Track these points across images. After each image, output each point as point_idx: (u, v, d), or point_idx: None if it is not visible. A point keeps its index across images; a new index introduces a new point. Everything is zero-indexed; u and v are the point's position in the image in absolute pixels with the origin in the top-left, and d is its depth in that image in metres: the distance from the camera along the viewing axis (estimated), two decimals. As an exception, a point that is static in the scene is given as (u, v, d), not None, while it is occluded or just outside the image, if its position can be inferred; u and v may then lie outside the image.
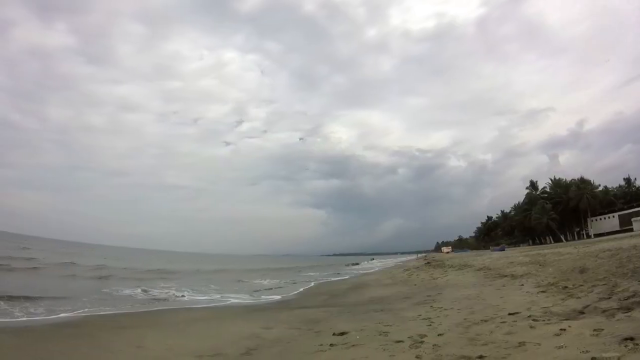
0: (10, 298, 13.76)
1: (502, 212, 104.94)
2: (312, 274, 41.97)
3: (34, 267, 28.13)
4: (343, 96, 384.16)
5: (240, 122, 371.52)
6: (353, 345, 6.80)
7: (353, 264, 69.10)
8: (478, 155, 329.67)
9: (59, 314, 12.18)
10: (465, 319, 8.30)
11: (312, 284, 28.65)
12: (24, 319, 11.21)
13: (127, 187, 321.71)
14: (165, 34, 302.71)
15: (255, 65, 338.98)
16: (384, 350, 6.24)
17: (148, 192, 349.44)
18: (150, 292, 19.21)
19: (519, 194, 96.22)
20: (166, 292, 19.68)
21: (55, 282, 21.20)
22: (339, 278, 34.56)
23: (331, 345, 7.01)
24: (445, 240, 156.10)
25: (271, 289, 25.03)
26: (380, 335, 7.52)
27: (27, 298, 14.09)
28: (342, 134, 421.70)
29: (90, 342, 8.55)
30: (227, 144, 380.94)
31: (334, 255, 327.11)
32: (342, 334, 7.96)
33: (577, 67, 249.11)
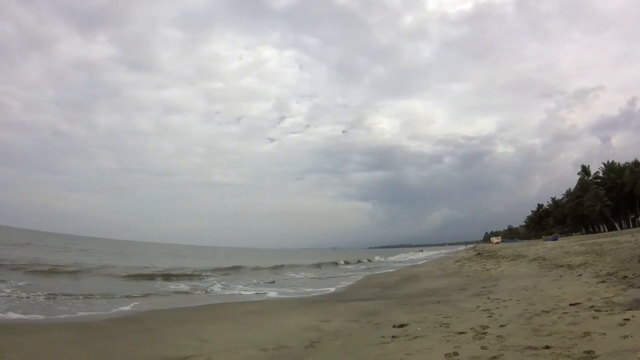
0: (66, 295, 14.18)
1: (553, 199, 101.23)
2: (359, 266, 41.95)
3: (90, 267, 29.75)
4: (384, 86, 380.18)
5: (282, 118, 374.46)
6: (415, 337, 6.75)
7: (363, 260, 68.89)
8: (526, 141, 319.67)
9: (116, 309, 12.45)
10: (525, 310, 8.14)
11: (361, 276, 28.66)
12: (83, 314, 11.49)
13: (176, 187, 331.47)
14: (203, 37, 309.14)
15: (294, 61, 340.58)
16: (447, 341, 6.19)
17: (196, 190, 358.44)
18: (201, 287, 19.59)
19: (571, 180, 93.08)
20: (221, 286, 20.05)
21: (108, 280, 21.88)
22: (387, 270, 34.46)
23: (393, 337, 6.98)
24: (494, 230, 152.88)
25: (321, 281, 25.22)
26: (441, 326, 7.45)
27: (84, 295, 14.52)
28: (385, 124, 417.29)
29: (154, 337, 8.76)
30: (271, 140, 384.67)
31: (381, 247, 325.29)
32: (401, 325, 7.91)
33: (625, 41, 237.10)
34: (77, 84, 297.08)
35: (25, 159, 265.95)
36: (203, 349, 7.57)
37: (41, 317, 10.70)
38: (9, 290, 13.80)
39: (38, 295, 13.65)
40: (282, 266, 42.96)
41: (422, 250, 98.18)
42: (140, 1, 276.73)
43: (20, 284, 15.43)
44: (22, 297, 13.20)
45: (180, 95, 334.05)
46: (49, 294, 13.89)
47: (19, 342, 7.66)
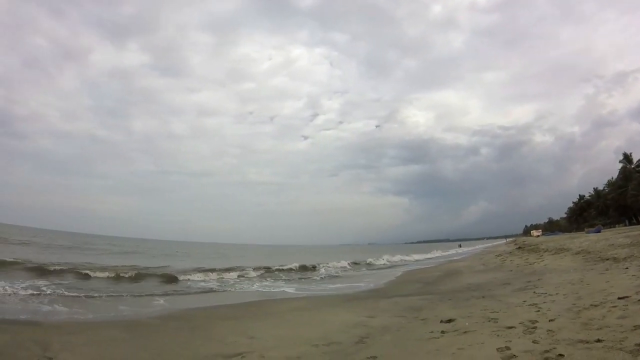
0: (110, 294, 14.69)
1: (595, 189, 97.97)
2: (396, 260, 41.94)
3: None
4: (416, 79, 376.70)
5: (315, 116, 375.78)
6: (465, 332, 6.74)
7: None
8: (565, 129, 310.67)
9: (160, 307, 12.81)
10: (573, 304, 7.99)
11: (400, 272, 28.58)
12: (128, 312, 11.77)
13: (212, 187, 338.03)
14: (232, 39, 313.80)
15: (324, 58, 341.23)
16: (498, 336, 6.16)
17: (232, 190, 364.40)
18: (242, 284, 19.97)
19: (612, 169, 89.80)
20: (263, 284, 20.43)
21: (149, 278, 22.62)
22: (427, 265, 34.34)
23: (442, 332, 6.99)
24: (534, 223, 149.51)
25: (361, 277, 25.21)
26: (489, 321, 7.40)
27: (128, 293, 15.04)
28: (419, 117, 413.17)
29: (202, 334, 8.93)
30: (305, 137, 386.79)
31: (418, 242, 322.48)
32: (449, 321, 7.89)
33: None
34: (112, 91, 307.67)
35: (65, 165, 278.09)
36: (254, 345, 7.70)
37: (89, 315, 11.01)
38: (59, 291, 14.22)
39: (84, 294, 14.14)
40: (318, 263, 43.42)
41: (460, 245, 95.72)
42: (169, 8, 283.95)
43: (65, 282, 16.09)
44: (67, 296, 13.68)
45: (213, 98, 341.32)
46: (96, 293, 14.41)
47: (70, 341, 7.83)
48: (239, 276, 22.77)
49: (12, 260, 20.60)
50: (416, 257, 49.62)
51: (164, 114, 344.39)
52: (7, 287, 13.37)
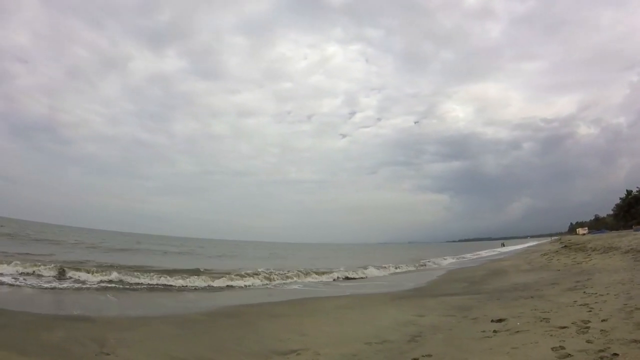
0: (156, 290, 15.16)
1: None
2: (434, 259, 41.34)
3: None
4: (454, 72, 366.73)
5: (353, 113, 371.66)
6: (517, 332, 6.67)
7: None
8: (610, 120, 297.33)
9: (211, 304, 12.88)
10: (625, 304, 7.76)
11: (444, 271, 28.29)
12: (179, 309, 11.98)
13: (253, 186, 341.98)
14: (267, 40, 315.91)
15: (359, 55, 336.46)
16: (551, 335, 6.09)
17: (272, 188, 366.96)
18: (287, 282, 20.16)
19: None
20: (304, 282, 20.66)
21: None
22: (470, 265, 33.91)
23: (494, 331, 6.94)
24: (579, 221, 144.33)
25: (404, 275, 25.28)
26: (541, 321, 7.29)
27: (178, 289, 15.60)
28: (458, 111, 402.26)
29: (254, 331, 8.98)
30: (343, 135, 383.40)
31: (459, 240, 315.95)
32: (500, 320, 7.83)
33: None
34: (153, 96, 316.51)
35: (110, 168, 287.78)
36: (307, 342, 7.78)
37: (139, 311, 11.32)
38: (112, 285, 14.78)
39: (133, 290, 14.66)
40: (358, 259, 43.33)
41: (504, 244, 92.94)
42: (203, 14, 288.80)
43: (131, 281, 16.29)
44: (117, 292, 14.03)
45: (252, 99, 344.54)
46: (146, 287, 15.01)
47: (125, 337, 7.92)
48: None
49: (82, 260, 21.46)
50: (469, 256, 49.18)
51: (204, 115, 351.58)
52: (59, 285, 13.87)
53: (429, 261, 39.71)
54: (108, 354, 6.82)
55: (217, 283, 17.92)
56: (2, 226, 44.82)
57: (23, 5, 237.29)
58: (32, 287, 13.50)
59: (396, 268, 30.58)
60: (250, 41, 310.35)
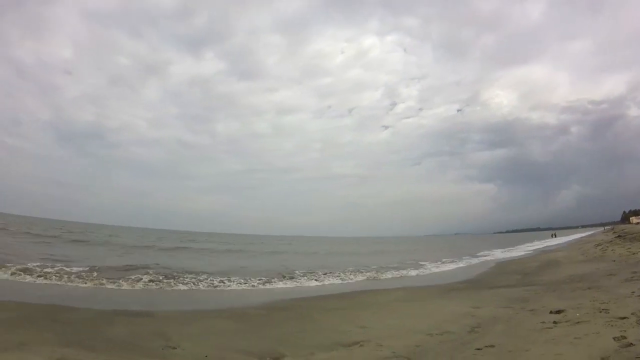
0: (211, 285, 15.24)
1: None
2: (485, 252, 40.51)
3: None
4: (496, 56, 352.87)
5: (394, 105, 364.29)
6: (577, 322, 6.56)
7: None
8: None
9: (266, 299, 12.91)
10: None
11: (494, 263, 27.73)
12: (233, 303, 12.08)
13: (297, 182, 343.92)
14: (303, 37, 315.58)
15: (397, 45, 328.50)
16: (612, 326, 5.98)
17: (317, 184, 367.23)
18: (335, 275, 20.03)
19: None
20: (351, 274, 20.48)
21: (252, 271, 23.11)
22: (521, 256, 33.13)
23: (554, 322, 6.85)
24: (633, 209, 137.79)
25: (454, 268, 25.10)
26: (600, 312, 7.14)
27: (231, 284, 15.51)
28: (502, 97, 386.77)
29: (313, 324, 9.07)
30: (385, 127, 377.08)
31: (507, 232, 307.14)
32: (558, 312, 7.69)
33: None
34: (194, 98, 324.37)
35: (156, 169, 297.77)
36: (368, 334, 7.85)
37: (197, 306, 11.40)
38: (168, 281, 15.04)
39: (189, 286, 14.78)
40: (405, 251, 42.93)
41: (554, 235, 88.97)
42: (238, 15, 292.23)
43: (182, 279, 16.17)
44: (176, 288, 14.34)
45: (291, 96, 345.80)
46: (202, 286, 14.94)
47: (186, 331, 8.04)
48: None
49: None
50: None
51: (245, 115, 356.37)
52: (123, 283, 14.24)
53: (478, 253, 39.07)
54: (174, 348, 6.96)
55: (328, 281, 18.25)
56: (70, 232, 46.93)
57: (64, 22, 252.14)
58: (91, 285, 13.81)
59: (445, 261, 30.37)
60: (287, 39, 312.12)
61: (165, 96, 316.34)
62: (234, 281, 16.13)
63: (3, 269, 14.23)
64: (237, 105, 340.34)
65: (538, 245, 53.26)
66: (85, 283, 13.77)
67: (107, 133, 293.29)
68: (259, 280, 16.82)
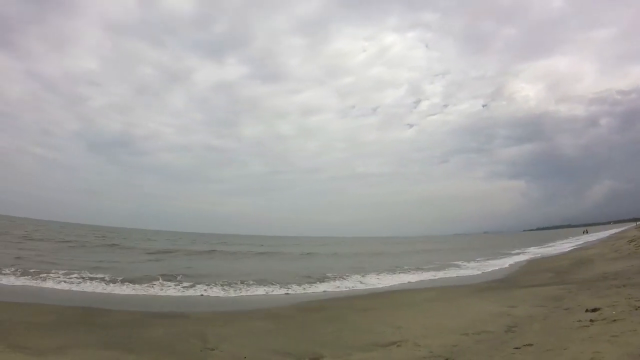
0: (237, 286, 15.23)
1: None
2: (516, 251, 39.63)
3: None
4: (518, 48, 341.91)
5: (418, 102, 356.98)
6: (614, 320, 6.47)
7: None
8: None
9: (287, 299, 13.09)
10: None
11: (526, 261, 27.21)
12: (264, 304, 12.16)
13: (323, 182, 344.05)
14: (323, 37, 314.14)
15: (418, 41, 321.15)
16: None
17: (342, 184, 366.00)
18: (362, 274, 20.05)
19: None
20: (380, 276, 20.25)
21: (279, 270, 23.17)
22: (553, 254, 32.37)
23: (591, 320, 6.76)
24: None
25: (485, 267, 24.66)
26: (636, 310, 7.04)
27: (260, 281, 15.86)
28: (528, 90, 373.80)
29: (347, 325, 9.10)
30: (410, 125, 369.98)
31: (537, 229, 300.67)
32: (594, 310, 7.60)
33: None
34: (219, 103, 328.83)
35: (184, 174, 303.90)
36: (404, 334, 7.85)
37: (229, 308, 11.61)
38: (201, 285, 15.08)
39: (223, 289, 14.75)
40: (435, 251, 42.39)
41: (586, 231, 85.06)
42: (257, 20, 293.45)
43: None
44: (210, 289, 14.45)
45: (314, 97, 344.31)
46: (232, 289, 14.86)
47: (222, 333, 8.15)
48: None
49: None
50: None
51: (270, 117, 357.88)
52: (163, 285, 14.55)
53: (508, 251, 38.47)
54: (212, 349, 7.02)
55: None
56: (104, 237, 48.11)
57: (87, 35, 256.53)
58: (125, 289, 14.01)
59: (479, 259, 30.01)
60: (307, 40, 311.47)
61: (191, 103, 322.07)
62: (266, 284, 16.12)
63: (39, 274, 14.80)
64: (261, 108, 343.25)
65: (570, 242, 51.99)
66: (120, 288, 14.03)
67: (136, 141, 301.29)
68: (291, 282, 16.83)
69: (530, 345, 5.99)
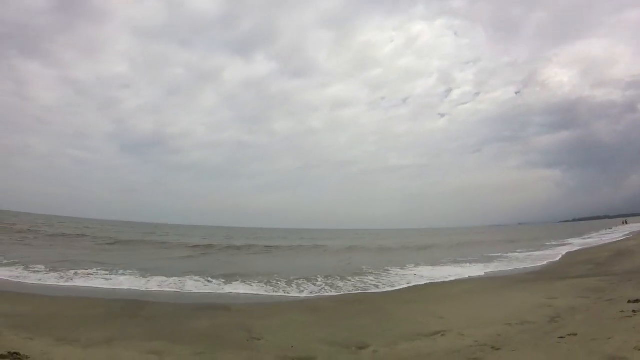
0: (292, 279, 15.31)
1: None
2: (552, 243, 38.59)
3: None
4: (550, 33, 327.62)
5: (449, 91, 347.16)
6: None
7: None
8: None
9: (325, 292, 13.04)
10: None
11: (563, 253, 26.55)
12: (302, 297, 12.29)
13: (355, 176, 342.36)
14: (350, 30, 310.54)
15: (447, 29, 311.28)
16: None
17: (375, 176, 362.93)
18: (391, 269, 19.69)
19: None
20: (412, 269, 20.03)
21: (322, 263, 23.48)
22: (591, 246, 31.55)
23: (633, 311, 6.75)
24: None
25: (522, 259, 24.26)
26: None
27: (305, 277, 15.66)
28: (562, 76, 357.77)
29: (390, 315, 9.19)
30: (442, 115, 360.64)
31: (574, 220, 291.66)
32: (637, 301, 7.56)
33: None
34: (249, 100, 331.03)
35: (217, 171, 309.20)
36: (447, 325, 7.93)
37: (270, 300, 11.75)
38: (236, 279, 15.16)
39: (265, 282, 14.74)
40: (470, 243, 41.76)
41: (625, 222, 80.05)
42: (282, 15, 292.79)
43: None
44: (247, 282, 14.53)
45: (344, 90, 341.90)
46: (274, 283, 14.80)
47: (268, 324, 8.26)
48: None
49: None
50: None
51: (300, 112, 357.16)
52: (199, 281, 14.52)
53: (546, 243, 37.62)
54: (259, 339, 7.12)
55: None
56: (152, 233, 49.48)
57: (117, 40, 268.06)
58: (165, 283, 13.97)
59: (519, 251, 29.50)
60: (334, 33, 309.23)
61: (221, 100, 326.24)
62: (304, 278, 15.91)
63: (79, 270, 15.30)
64: (291, 103, 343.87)
65: (609, 233, 50.29)
66: (161, 283, 13.99)
67: (168, 140, 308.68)
68: (330, 275, 16.77)
69: (575, 335, 6.03)
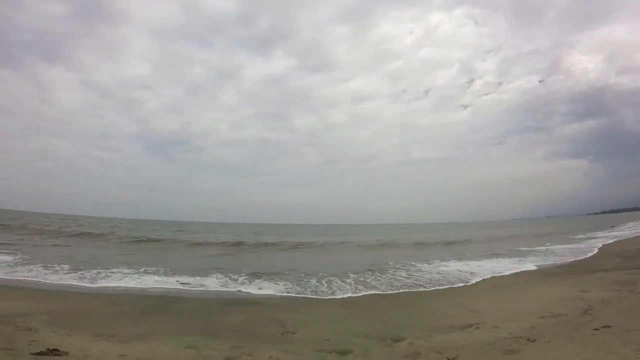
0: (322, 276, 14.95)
1: None
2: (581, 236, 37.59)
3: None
4: (573, 18, 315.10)
5: (471, 81, 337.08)
6: None
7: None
8: None
9: (351, 288, 12.74)
10: None
11: (593, 246, 25.89)
12: (331, 293, 11.99)
13: (378, 170, 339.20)
14: (368, 22, 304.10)
15: (466, 18, 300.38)
16: None
17: (398, 170, 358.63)
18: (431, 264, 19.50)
19: None
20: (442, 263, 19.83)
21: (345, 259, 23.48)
22: (621, 238, 30.94)
23: None
24: None
25: (552, 252, 23.82)
26: None
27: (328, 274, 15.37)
28: (586, 62, 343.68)
29: (422, 309, 9.23)
30: (464, 106, 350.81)
31: (602, 212, 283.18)
32: None
33: None
34: (270, 97, 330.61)
35: (240, 168, 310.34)
36: (480, 318, 8.00)
37: (300, 295, 11.65)
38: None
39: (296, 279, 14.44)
40: (499, 238, 41.14)
41: None
42: (300, 11, 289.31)
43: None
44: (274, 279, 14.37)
45: (364, 84, 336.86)
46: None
47: (301, 318, 8.29)
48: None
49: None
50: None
51: (321, 107, 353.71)
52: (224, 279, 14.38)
53: (574, 237, 36.77)
54: (293, 333, 7.13)
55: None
56: (182, 231, 50.09)
57: (136, 42, 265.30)
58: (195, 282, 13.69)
59: (547, 245, 29.04)
60: (352, 27, 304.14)
61: (242, 98, 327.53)
62: (334, 275, 15.51)
63: (110, 269, 15.50)
64: (312, 99, 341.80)
65: (638, 226, 49.35)
66: (191, 281, 13.84)
67: (191, 138, 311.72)
68: (358, 272, 16.50)
69: (609, 327, 6.07)
